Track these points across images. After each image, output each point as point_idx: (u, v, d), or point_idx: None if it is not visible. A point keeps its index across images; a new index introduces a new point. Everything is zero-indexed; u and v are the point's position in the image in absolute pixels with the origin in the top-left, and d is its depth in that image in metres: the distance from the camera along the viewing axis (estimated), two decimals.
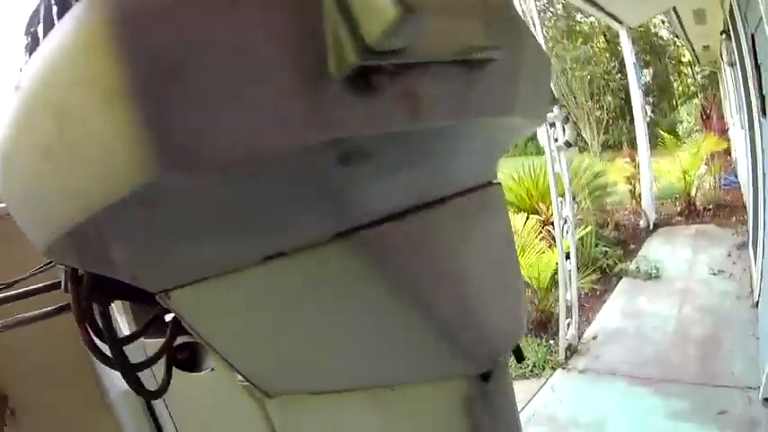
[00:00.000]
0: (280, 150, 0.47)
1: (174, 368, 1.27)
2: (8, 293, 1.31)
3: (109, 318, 0.97)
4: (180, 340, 1.21)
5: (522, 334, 0.95)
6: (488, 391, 0.82)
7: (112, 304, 1.30)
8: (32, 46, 0.79)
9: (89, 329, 0.95)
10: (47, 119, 0.52)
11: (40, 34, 0.76)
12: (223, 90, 0.45)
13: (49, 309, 1.22)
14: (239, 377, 0.94)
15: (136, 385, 1.00)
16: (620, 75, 14.69)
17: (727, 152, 11.79)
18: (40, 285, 1.24)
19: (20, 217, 0.74)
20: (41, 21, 0.75)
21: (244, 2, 0.45)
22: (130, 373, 0.98)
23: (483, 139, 0.74)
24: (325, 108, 0.47)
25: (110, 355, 0.96)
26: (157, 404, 1.65)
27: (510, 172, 10.57)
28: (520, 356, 1.16)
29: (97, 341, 0.96)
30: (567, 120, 6.33)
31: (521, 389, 6.01)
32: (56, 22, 0.68)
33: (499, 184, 0.96)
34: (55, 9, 0.71)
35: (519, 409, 5.40)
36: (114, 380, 1.04)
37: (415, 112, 0.51)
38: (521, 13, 5.18)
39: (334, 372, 0.84)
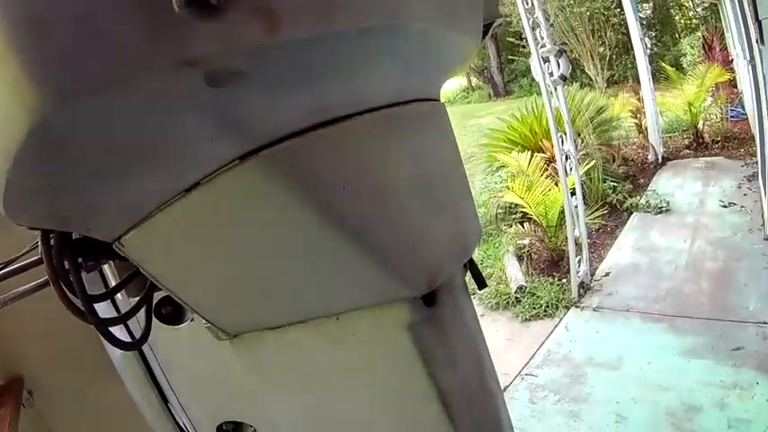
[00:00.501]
0: (138, 75, 0.53)
1: (166, 327, 1.33)
2: (4, 271, 1.34)
3: (80, 275, 1.00)
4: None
5: (468, 255, 0.95)
6: (435, 316, 0.82)
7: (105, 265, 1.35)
8: None
9: (64, 288, 0.99)
10: None
11: None
12: (84, 33, 0.51)
13: (41, 280, 1.24)
14: (204, 321, 0.96)
15: (109, 338, 1.04)
16: (619, 9, 14.31)
17: (734, 84, 11.54)
18: (32, 260, 1.27)
19: None
20: None
21: None
22: (102, 326, 1.02)
23: (392, 55, 0.72)
24: (171, 34, 0.51)
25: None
26: (153, 362, 1.71)
27: (513, 112, 10.56)
28: (481, 283, 1.15)
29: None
30: (560, 53, 6.23)
31: (534, 329, 6.12)
32: None
33: (438, 102, 0.94)
34: None
35: (533, 352, 5.45)
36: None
37: (272, 27, 0.53)
38: None
39: (279, 304, 0.85)
